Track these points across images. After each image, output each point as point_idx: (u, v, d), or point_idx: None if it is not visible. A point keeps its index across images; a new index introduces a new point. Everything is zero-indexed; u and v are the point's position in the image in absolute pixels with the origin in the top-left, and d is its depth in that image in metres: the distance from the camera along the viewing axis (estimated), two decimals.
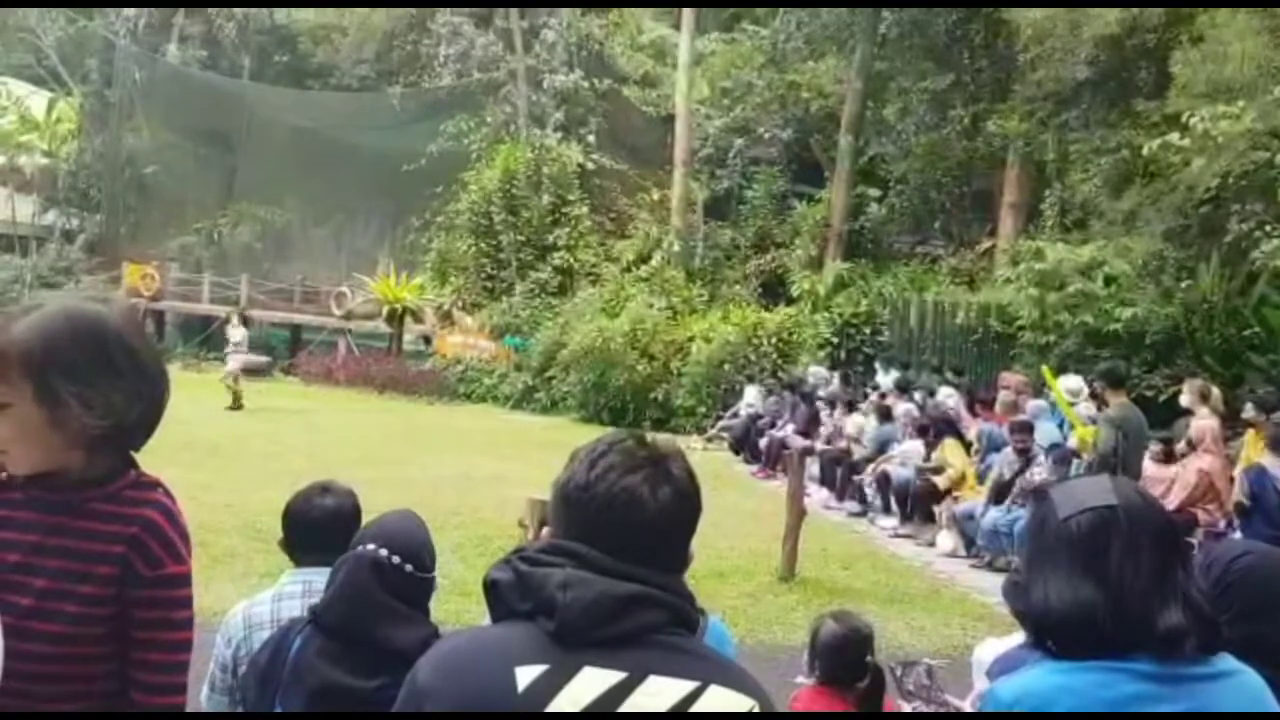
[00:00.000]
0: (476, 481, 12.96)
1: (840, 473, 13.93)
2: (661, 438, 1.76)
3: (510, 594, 1.55)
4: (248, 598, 3.24)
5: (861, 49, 21.50)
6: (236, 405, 18.34)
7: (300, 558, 3.25)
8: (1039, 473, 9.79)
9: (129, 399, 1.85)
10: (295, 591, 3.09)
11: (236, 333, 19.43)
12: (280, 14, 28.04)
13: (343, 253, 29.66)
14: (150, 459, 2.04)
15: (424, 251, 26.37)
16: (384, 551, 2.67)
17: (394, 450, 15.29)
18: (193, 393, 17.98)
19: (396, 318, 25.00)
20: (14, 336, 1.80)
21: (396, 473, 12.95)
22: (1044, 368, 11.99)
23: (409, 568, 2.67)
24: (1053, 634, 1.78)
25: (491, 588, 1.58)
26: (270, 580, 3.33)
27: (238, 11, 29.23)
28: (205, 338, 27.01)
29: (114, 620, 1.85)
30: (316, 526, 3.15)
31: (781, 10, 24.67)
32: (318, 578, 2.94)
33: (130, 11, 29.52)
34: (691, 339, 20.63)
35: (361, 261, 28.05)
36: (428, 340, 25.69)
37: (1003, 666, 2.57)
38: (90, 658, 1.86)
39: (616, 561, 1.53)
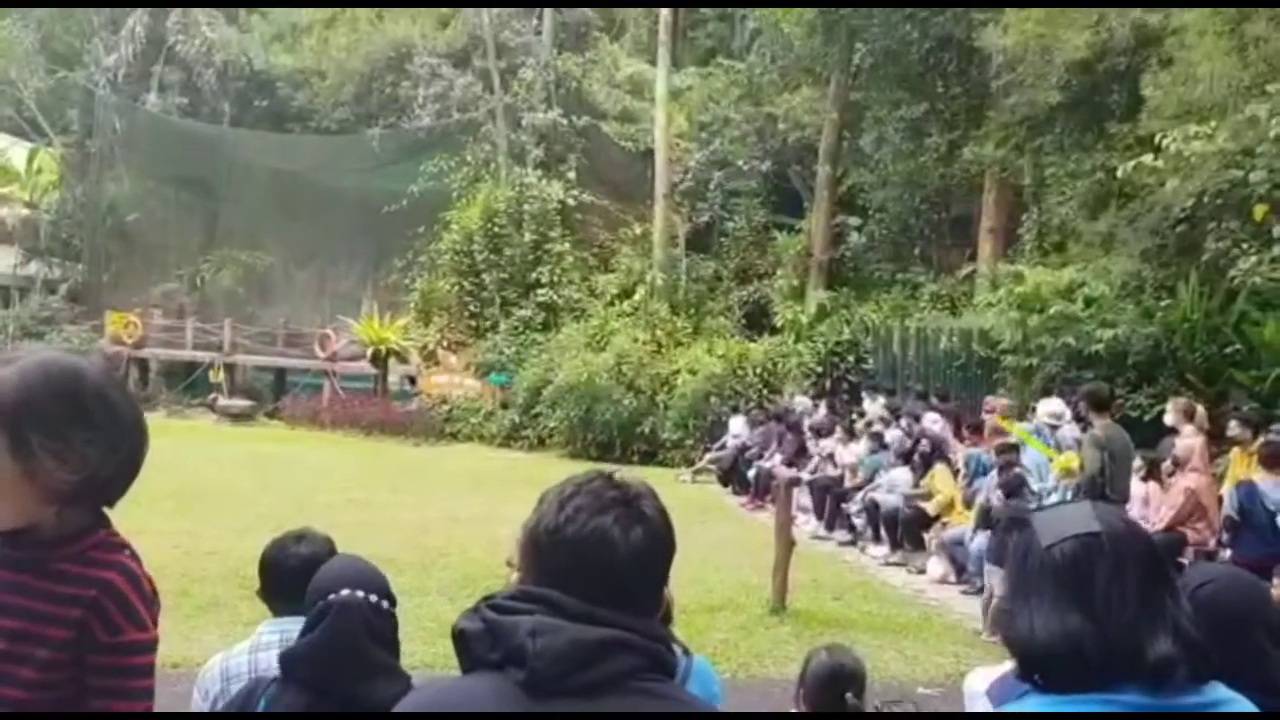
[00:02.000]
0: (464, 521, 12.88)
1: (829, 502, 13.90)
2: (634, 474, 1.73)
3: (479, 644, 1.51)
4: (226, 649, 3.20)
5: (836, 80, 21.67)
6: None
7: (277, 607, 3.21)
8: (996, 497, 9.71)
9: (103, 453, 1.78)
10: (273, 642, 3.04)
11: None
12: (259, 59, 28.11)
13: (326, 295, 29.62)
14: (134, 507, 1.99)
15: (407, 292, 26.36)
16: (366, 595, 2.63)
17: (381, 492, 15.20)
18: (178, 439, 17.87)
19: (381, 359, 24.93)
20: None
21: (384, 515, 12.86)
22: (1000, 419, 11.86)
23: (385, 604, 2.65)
24: (1039, 666, 1.73)
25: (460, 637, 1.54)
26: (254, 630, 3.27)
27: (217, 58, 29.30)
28: (189, 383, 26.90)
29: (70, 685, 1.79)
30: (292, 575, 3.08)
31: (756, 44, 24.88)
32: (295, 627, 2.88)
33: (110, 61, 29.57)
34: (677, 371, 20.64)
35: (345, 303, 28.02)
36: (413, 380, 25.63)
37: (1000, 691, 2.53)
38: None
39: (588, 606, 1.49)
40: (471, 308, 24.87)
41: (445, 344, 24.69)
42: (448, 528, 12.44)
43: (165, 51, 30.18)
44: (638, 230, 24.90)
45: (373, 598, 2.62)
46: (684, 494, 15.15)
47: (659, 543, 1.59)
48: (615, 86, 27.32)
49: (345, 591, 2.61)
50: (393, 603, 2.69)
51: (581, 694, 1.45)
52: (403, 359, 25.32)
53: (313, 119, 29.88)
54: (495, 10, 26.66)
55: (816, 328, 20.25)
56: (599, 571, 1.52)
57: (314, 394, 26.30)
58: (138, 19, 29.81)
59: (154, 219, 30.53)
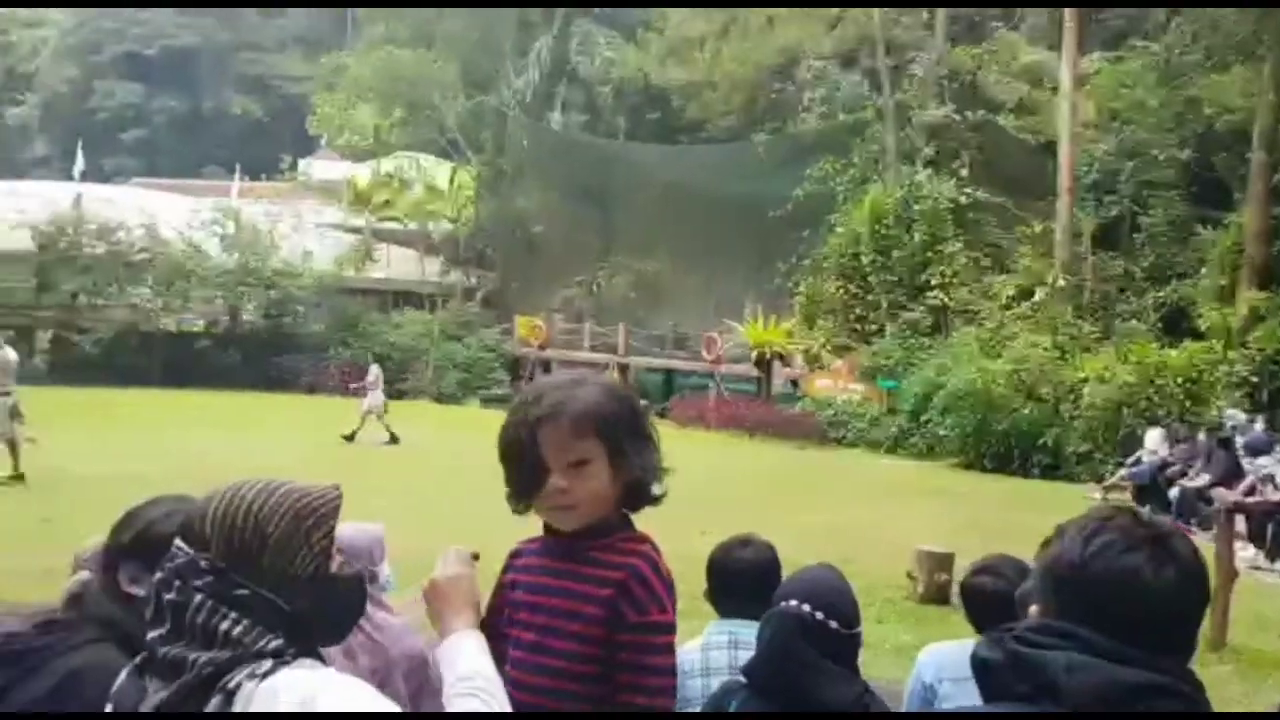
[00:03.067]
0: (854, 530, 12.55)
1: (1272, 529, 12.28)
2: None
3: (1003, 675, 1.53)
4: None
5: (1273, 57, 19.29)
6: (393, 439, 19.18)
7: (724, 608, 3.28)
8: None
9: (648, 461, 2.02)
10: (721, 642, 3.13)
11: (373, 370, 20.45)
12: (655, 74, 29.34)
13: (712, 299, 30.36)
14: None
15: (791, 295, 26.42)
16: (807, 607, 2.57)
17: (769, 496, 15.18)
18: None
19: (765, 362, 25.14)
20: (589, 400, 1.97)
21: (773, 519, 12.80)
22: None
23: (833, 624, 2.57)
24: None
25: (982, 667, 1.57)
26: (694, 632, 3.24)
27: (614, 75, 30.89)
28: None
29: (602, 662, 1.93)
30: (736, 578, 3.22)
31: (1173, 23, 22.72)
32: (742, 630, 3.03)
33: (520, 84, 32.04)
34: (1084, 380, 19.14)
35: (730, 307, 28.54)
36: (796, 384, 25.63)
37: None
38: (580, 696, 1.94)
39: (1119, 645, 1.48)
40: (857, 311, 24.51)
41: (830, 347, 24.48)
42: (838, 534, 12.14)
43: (568, 73, 32.27)
44: (1037, 228, 23.45)
45: (819, 615, 2.56)
46: None
47: (1192, 583, 1.56)
48: (1012, 77, 25.96)
49: (792, 603, 2.59)
50: (845, 623, 2.59)
51: None
52: (786, 362, 25.39)
53: (702, 129, 30.77)
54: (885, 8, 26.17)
55: (1250, 333, 18.08)
56: (1128, 610, 1.51)
57: (700, 395, 26.96)
58: (544, 43, 32.14)
59: (556, 230, 32.74)
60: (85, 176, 35.68)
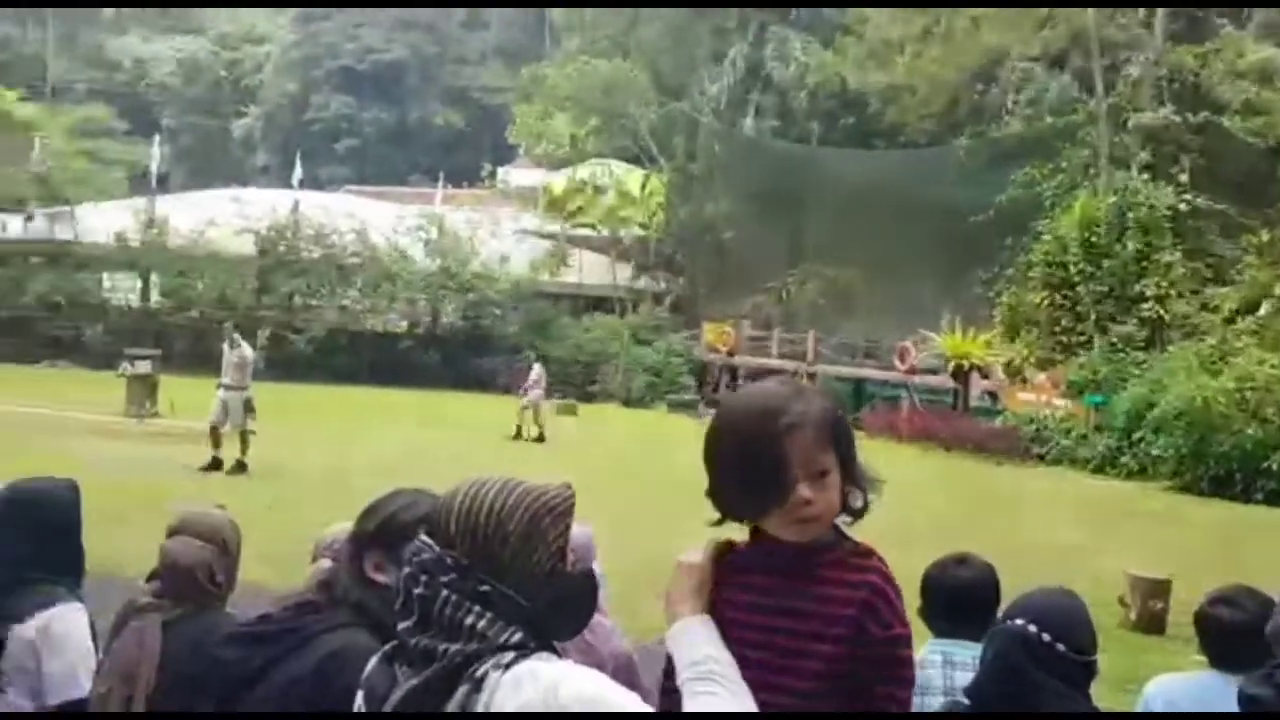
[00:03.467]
0: (1061, 551, 11.96)
1: None
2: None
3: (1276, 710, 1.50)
4: None
5: None
6: (539, 438, 19.93)
7: (938, 627, 3.21)
8: None
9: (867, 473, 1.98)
10: (935, 661, 3.08)
11: (536, 370, 21.11)
12: (852, 78, 28.90)
13: (905, 308, 29.61)
14: None
15: (991, 305, 25.49)
16: (1033, 628, 2.46)
17: (967, 513, 14.64)
18: None
19: (962, 373, 24.32)
20: (827, 409, 1.93)
21: (976, 539, 12.30)
22: None
23: (1061, 647, 2.44)
24: None
25: (1250, 702, 1.59)
26: None
27: (810, 81, 30.57)
28: None
29: (848, 679, 1.89)
30: (953, 597, 3.16)
31: None
32: (957, 650, 3.03)
33: (713, 90, 32.13)
34: None
35: (924, 316, 27.78)
36: (994, 396, 24.68)
37: None
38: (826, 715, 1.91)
39: None
40: (1063, 322, 23.47)
41: (1033, 360, 23.47)
42: (1044, 555, 11.55)
43: (762, 78, 32.14)
44: (1264, 237, 21.84)
45: (1045, 636, 2.44)
46: None
47: None
48: (1238, 76, 24.26)
49: (1018, 623, 2.49)
50: (1076, 648, 2.45)
51: None
52: (985, 374, 24.49)
53: (900, 134, 30.10)
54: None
55: None
56: None
57: (891, 406, 26.33)
58: (739, 50, 32.13)
59: (746, 236, 32.65)
60: (302, 184, 37.87)
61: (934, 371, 25.48)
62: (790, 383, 2.02)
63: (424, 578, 1.74)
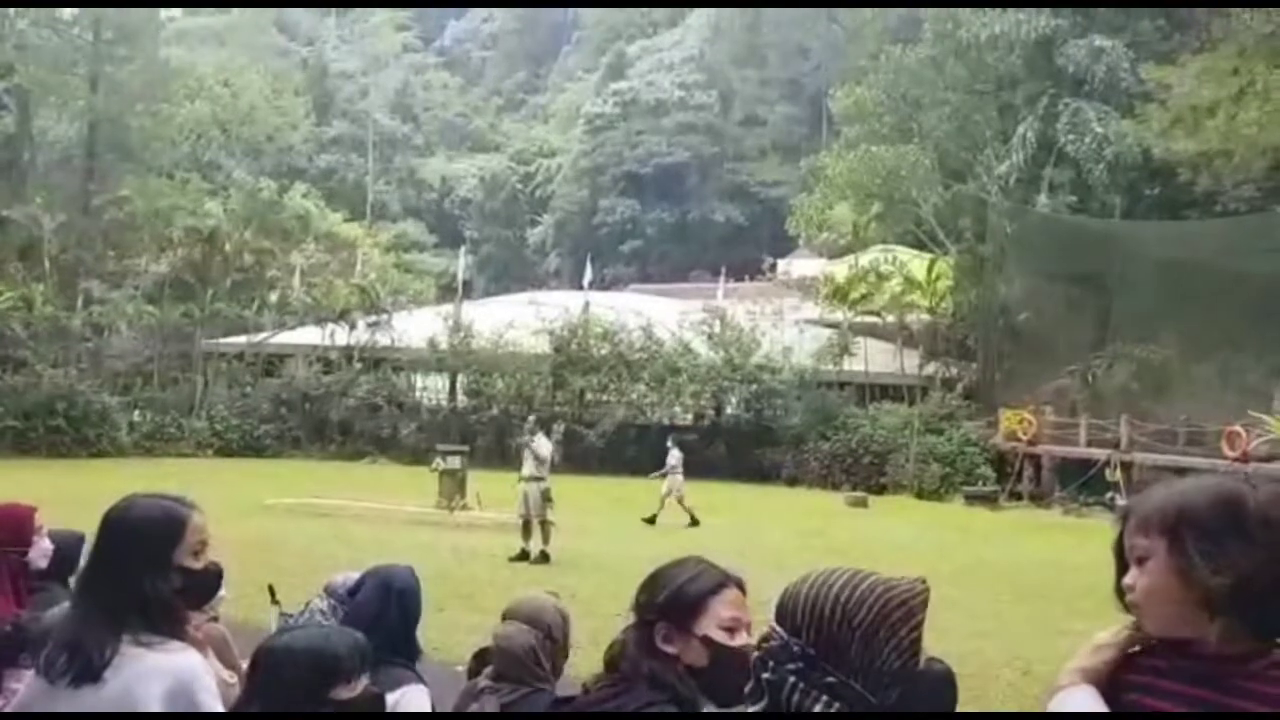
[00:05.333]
0: None
1: None
2: None
3: None
4: None
5: None
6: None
7: None
8: None
9: (1259, 564, 1.73)
10: None
11: (674, 455, 20.52)
12: (1158, 146, 27.03)
13: (1230, 389, 26.97)
14: None
15: None
16: None
17: None
18: (1079, 538, 17.36)
19: None
20: (1163, 494, 1.85)
21: None
22: None
23: None
24: None
25: None
26: None
27: (1108, 152, 29.01)
28: (1084, 481, 26.33)
29: None
30: None
31: None
32: None
33: (1002, 169, 31.04)
34: None
35: (1254, 398, 25.15)
36: None
37: None
38: None
39: None
40: None
41: None
42: None
43: (1055, 153, 30.76)
44: None
45: None
46: None
47: None
48: None
49: None
50: None
51: None
52: None
53: (1215, 202, 27.85)
54: None
55: None
56: None
57: None
58: (1029, 125, 30.95)
59: (1044, 317, 30.98)
60: (591, 285, 39.56)
61: (1271, 459, 22.94)
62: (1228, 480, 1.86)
63: (771, 663, 1.75)
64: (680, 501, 20.16)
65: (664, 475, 20.72)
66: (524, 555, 14.84)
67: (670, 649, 2.20)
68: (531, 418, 17.75)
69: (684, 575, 2.27)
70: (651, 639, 2.22)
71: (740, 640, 2.20)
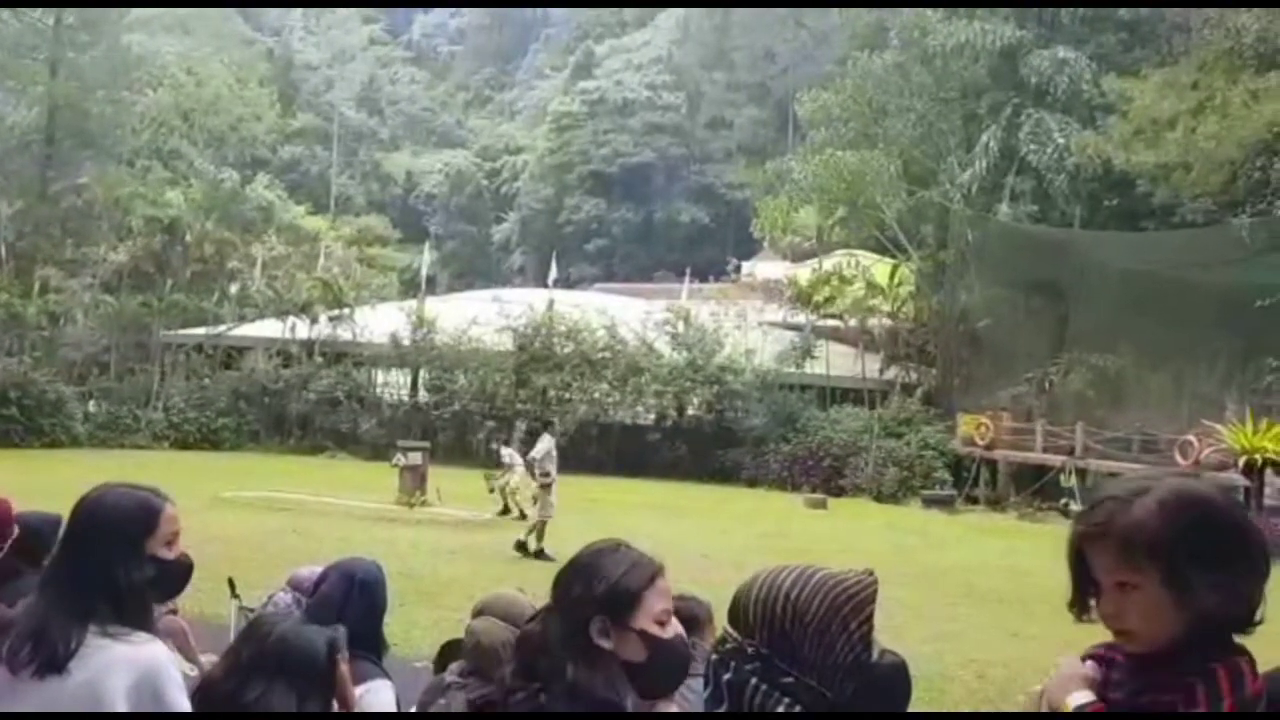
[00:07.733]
0: None
1: None
2: None
3: None
4: None
5: None
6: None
7: None
8: None
9: (1255, 584, 1.75)
10: None
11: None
12: (1118, 157, 27.41)
13: (1184, 398, 27.46)
14: None
15: None
16: None
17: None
18: (1035, 543, 17.59)
19: (1255, 469, 22.17)
20: (1137, 519, 1.73)
21: None
22: None
23: None
24: None
25: None
26: None
27: (1069, 162, 29.39)
28: (1039, 487, 26.67)
29: None
30: None
31: None
32: None
33: (964, 177, 31.32)
34: None
35: (1206, 407, 25.64)
36: None
37: None
38: None
39: None
40: None
41: None
42: None
43: (1018, 162, 31.10)
44: None
45: None
46: None
47: None
48: None
49: None
50: None
51: None
52: None
53: (1172, 214, 28.27)
54: None
55: None
56: None
57: None
58: (991, 135, 31.26)
59: (1003, 324, 31.29)
60: (556, 283, 39.51)
61: (1223, 467, 23.34)
62: (1150, 473, 1.83)
63: (732, 663, 1.73)
64: (513, 495, 19.42)
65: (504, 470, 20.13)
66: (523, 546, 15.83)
67: (606, 644, 2.05)
68: (519, 421, 18.20)
69: (620, 566, 2.13)
70: (584, 634, 2.06)
71: (671, 632, 2.11)
